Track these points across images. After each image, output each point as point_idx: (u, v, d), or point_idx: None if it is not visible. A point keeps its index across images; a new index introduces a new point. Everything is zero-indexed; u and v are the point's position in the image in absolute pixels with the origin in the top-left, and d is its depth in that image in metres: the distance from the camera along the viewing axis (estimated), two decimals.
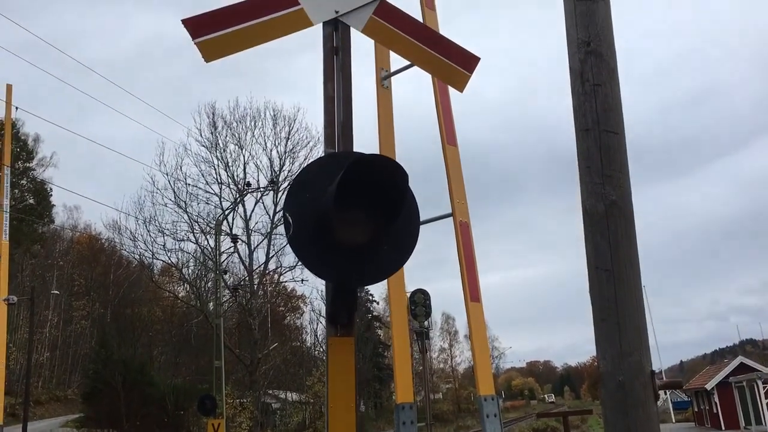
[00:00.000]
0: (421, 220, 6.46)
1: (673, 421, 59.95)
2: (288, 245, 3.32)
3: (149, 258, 34.82)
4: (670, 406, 67.91)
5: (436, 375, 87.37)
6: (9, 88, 18.20)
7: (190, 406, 28.99)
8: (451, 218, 5.56)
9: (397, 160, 6.20)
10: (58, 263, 61.48)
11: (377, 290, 62.21)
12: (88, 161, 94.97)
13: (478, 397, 5.47)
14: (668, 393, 76.99)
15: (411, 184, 3.26)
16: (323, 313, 58.69)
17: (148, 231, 33.30)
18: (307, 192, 3.21)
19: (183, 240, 34.27)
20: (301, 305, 64.91)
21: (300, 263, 3.63)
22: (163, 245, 32.95)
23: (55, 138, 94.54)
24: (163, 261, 34.88)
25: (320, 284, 61.21)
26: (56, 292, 51.43)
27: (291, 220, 3.23)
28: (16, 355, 47.27)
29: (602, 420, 2.92)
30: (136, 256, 37.57)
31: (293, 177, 3.82)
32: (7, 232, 17.26)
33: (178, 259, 35.07)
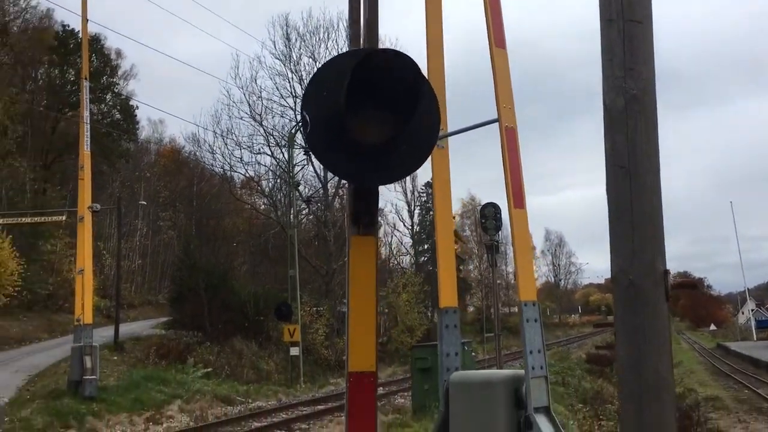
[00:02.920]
0: (469, 126, 6.35)
1: (755, 339, 58.76)
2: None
3: (227, 171, 35.84)
4: (753, 324, 66.42)
5: (512, 289, 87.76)
6: (84, 1, 18.65)
7: (269, 313, 30.29)
8: (497, 124, 5.44)
9: (446, 67, 6.05)
10: (144, 175, 64.06)
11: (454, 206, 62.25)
12: (167, 77, 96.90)
13: (519, 303, 5.50)
14: (752, 311, 75.01)
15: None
16: (397, 226, 59.43)
17: (226, 144, 34.16)
18: (324, 90, 3.18)
19: (259, 153, 35.01)
20: (379, 219, 65.75)
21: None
22: (240, 158, 33.76)
23: (134, 54, 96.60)
24: (240, 174, 35.84)
25: (393, 197, 61.77)
26: (143, 202, 53.84)
27: (308, 119, 3.23)
28: (110, 261, 50.14)
29: (614, 318, 2.89)
30: (216, 169, 38.77)
31: (310, 76, 3.81)
32: (89, 143, 18.10)
33: (255, 172, 35.98)
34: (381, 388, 23.68)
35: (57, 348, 26.53)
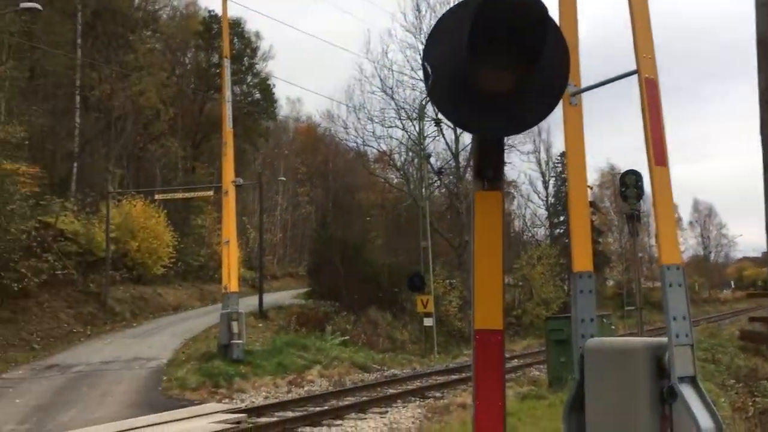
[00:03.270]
0: (605, 79, 6.00)
1: None
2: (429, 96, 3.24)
3: (360, 145, 36.47)
4: None
5: (654, 263, 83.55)
6: None
7: (402, 284, 30.74)
8: (636, 76, 5.10)
9: (579, 18, 5.73)
10: (283, 152, 66.61)
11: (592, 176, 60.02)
12: (303, 56, 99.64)
13: (661, 266, 5.17)
14: None
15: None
16: (531, 197, 58.11)
17: (358, 119, 34.72)
18: (445, 40, 3.09)
19: (391, 127, 35.31)
20: (511, 190, 64.79)
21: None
22: (373, 132, 34.20)
23: (272, 35, 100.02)
24: (372, 148, 36.36)
25: (527, 167, 60.43)
26: (283, 178, 56.01)
27: (430, 71, 3.15)
28: (254, 235, 52.73)
29: None
30: (350, 144, 39.58)
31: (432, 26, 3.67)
32: (231, 121, 19.00)
33: (387, 145, 36.38)
34: (516, 360, 23.41)
35: (208, 315, 28.32)
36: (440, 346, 29.63)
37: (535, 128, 44.03)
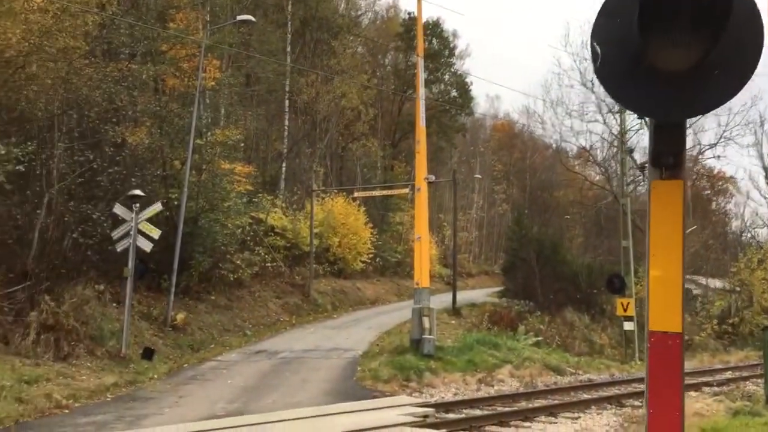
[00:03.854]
0: None
1: None
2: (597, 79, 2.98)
3: (558, 141, 35.37)
4: None
5: None
6: None
7: (602, 285, 29.37)
8: None
9: None
10: (479, 150, 66.58)
11: None
12: (500, 51, 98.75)
13: None
14: None
15: None
16: (752, 194, 52.73)
17: (556, 114, 33.69)
18: (616, 15, 2.82)
19: (591, 121, 33.82)
20: (730, 187, 59.51)
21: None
22: (571, 127, 32.99)
23: (467, 30, 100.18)
24: (571, 144, 35.10)
25: (747, 162, 54.86)
26: (479, 176, 55.93)
27: (599, 50, 2.90)
28: (450, 233, 53.30)
29: None
30: (546, 140, 38.56)
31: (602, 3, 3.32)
32: (424, 119, 19.27)
33: (586, 141, 34.91)
34: (729, 372, 21.39)
35: (403, 310, 29.01)
36: (643, 353, 27.90)
37: (757, 118, 39.71)
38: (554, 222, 45.32)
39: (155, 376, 15.88)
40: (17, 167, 15.34)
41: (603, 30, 2.86)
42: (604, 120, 33.60)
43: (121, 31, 21.11)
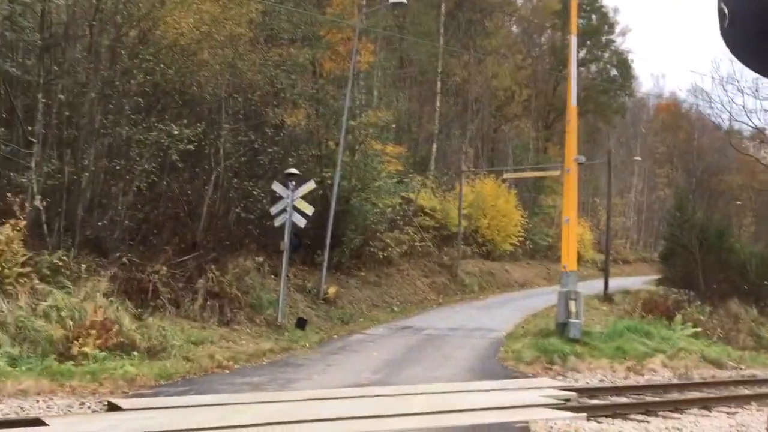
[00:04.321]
0: None
1: None
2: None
3: (728, 121, 32.90)
4: None
5: None
6: None
7: None
8: None
9: None
10: (640, 131, 63.28)
11: None
12: (664, 23, 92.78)
13: None
14: None
15: None
16: None
17: (726, 91, 31.31)
18: None
19: (766, 99, 31.12)
20: None
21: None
22: (743, 106, 30.55)
23: (631, 6, 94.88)
24: (742, 123, 32.55)
25: None
26: (638, 158, 53.23)
27: (726, 10, 2.79)
28: (604, 217, 51.32)
29: None
30: (714, 119, 35.98)
31: None
32: (575, 98, 18.68)
33: (761, 120, 32.21)
34: None
35: (552, 294, 28.35)
36: None
37: None
38: (721, 208, 42.20)
39: (307, 345, 16.80)
40: (188, 147, 16.69)
41: None
42: None
43: (282, 18, 22.21)
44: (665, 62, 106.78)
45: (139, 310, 14.43)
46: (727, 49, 2.97)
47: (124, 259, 15.56)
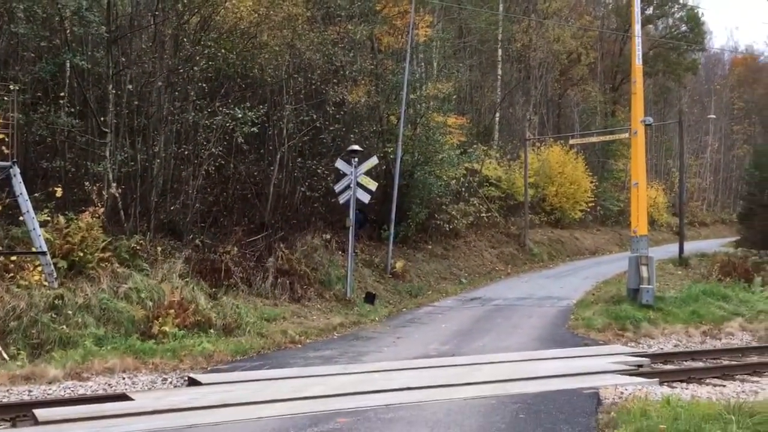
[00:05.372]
0: None
1: None
2: None
3: None
4: None
5: None
6: None
7: None
8: None
9: None
10: (715, 88, 60.72)
11: None
12: None
13: None
14: None
15: None
16: None
17: None
18: None
19: None
20: None
21: None
22: None
23: None
24: None
25: None
26: (713, 116, 51.16)
27: None
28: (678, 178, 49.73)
29: None
30: None
31: None
32: (640, 57, 18.10)
33: None
34: None
35: (623, 261, 27.82)
36: None
37: None
38: None
39: (376, 319, 17.07)
40: (252, 129, 17.07)
41: None
42: None
43: None
44: (739, 14, 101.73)
45: (214, 289, 14.97)
46: None
47: (197, 241, 16.14)
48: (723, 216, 55.52)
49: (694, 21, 52.71)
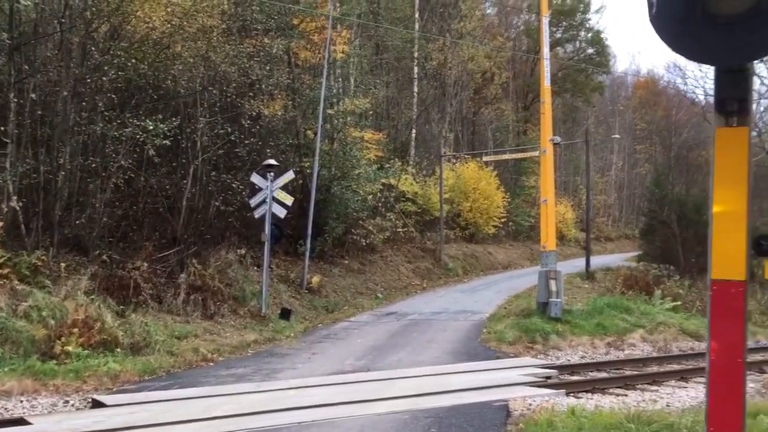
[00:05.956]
0: None
1: None
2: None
3: (703, 96, 33.23)
4: None
5: None
6: None
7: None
8: None
9: None
10: (619, 108, 63.67)
11: None
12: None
13: None
14: None
15: None
16: None
17: (700, 67, 31.55)
18: None
19: None
20: None
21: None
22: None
23: None
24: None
25: None
26: (617, 136, 53.63)
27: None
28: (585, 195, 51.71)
29: None
30: (689, 95, 36.31)
31: None
32: (549, 78, 18.83)
33: None
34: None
35: (535, 274, 28.66)
36: None
37: None
38: (699, 182, 42.68)
39: (291, 335, 16.90)
40: (164, 141, 16.65)
41: None
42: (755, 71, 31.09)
43: (254, 8, 22.11)
44: (641, 39, 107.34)
45: (121, 307, 14.45)
46: (658, 35, 3.08)
47: (104, 257, 15.55)
48: (627, 231, 58.09)
49: (599, 45, 55.20)
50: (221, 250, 18.82)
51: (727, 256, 2.94)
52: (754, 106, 26.73)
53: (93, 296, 13.77)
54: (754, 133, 36.85)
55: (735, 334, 2.91)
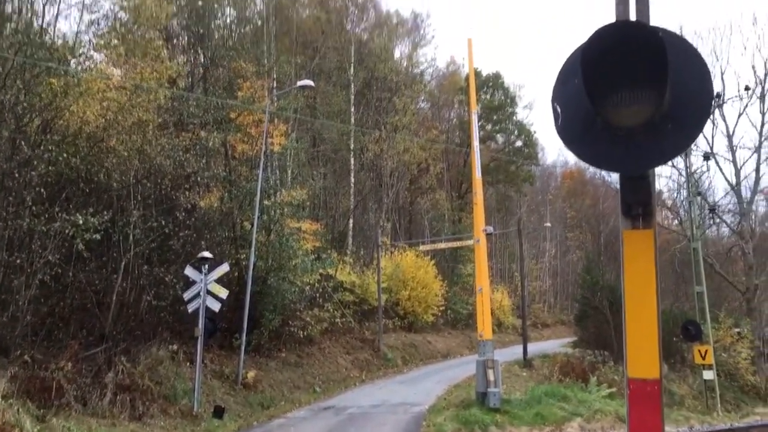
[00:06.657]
0: None
1: None
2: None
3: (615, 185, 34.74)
4: None
5: None
6: (470, 42, 20.37)
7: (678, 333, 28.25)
8: None
9: None
10: (549, 198, 65.89)
11: None
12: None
13: None
14: None
15: None
16: None
17: None
18: (569, 81, 3.03)
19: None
20: None
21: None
22: None
23: (535, 86, 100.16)
24: None
25: None
26: (548, 224, 55.26)
27: (559, 110, 3.11)
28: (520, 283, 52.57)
29: None
30: (614, 185, 37.88)
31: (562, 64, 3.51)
32: (479, 170, 19.47)
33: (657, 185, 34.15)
34: None
35: (473, 363, 28.67)
36: (729, 403, 26.58)
37: None
38: None
39: None
40: (95, 235, 16.28)
41: (560, 93, 3.07)
42: (673, 163, 32.88)
43: (191, 103, 22.35)
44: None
45: (42, 410, 13.66)
46: (565, 145, 3.28)
47: (26, 357, 14.81)
48: (562, 317, 58.94)
49: (528, 137, 57.62)
50: (152, 347, 18.17)
51: (642, 355, 3.04)
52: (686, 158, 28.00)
53: (11, 400, 13.00)
54: (675, 222, 38.65)
55: (653, 430, 2.98)
